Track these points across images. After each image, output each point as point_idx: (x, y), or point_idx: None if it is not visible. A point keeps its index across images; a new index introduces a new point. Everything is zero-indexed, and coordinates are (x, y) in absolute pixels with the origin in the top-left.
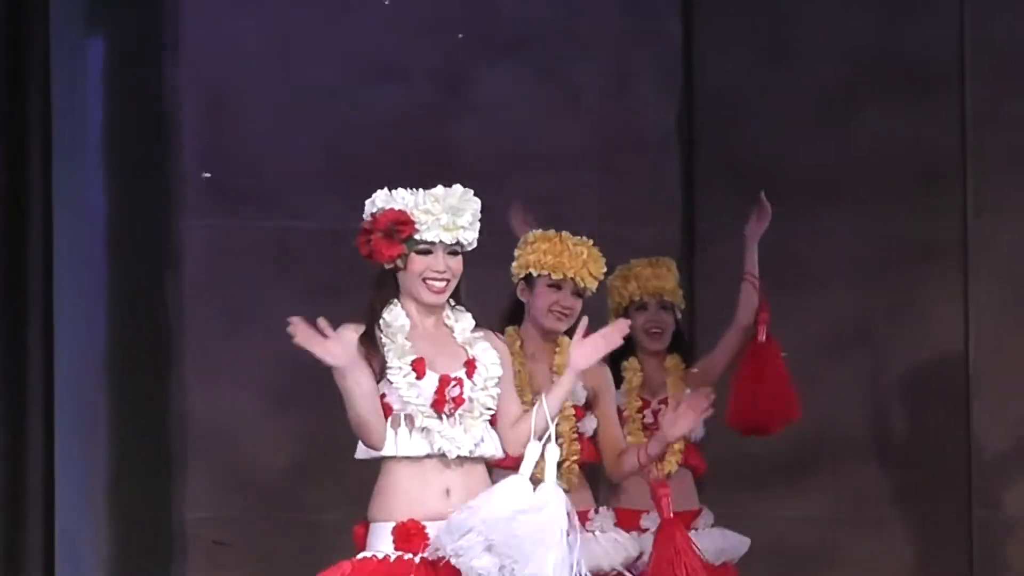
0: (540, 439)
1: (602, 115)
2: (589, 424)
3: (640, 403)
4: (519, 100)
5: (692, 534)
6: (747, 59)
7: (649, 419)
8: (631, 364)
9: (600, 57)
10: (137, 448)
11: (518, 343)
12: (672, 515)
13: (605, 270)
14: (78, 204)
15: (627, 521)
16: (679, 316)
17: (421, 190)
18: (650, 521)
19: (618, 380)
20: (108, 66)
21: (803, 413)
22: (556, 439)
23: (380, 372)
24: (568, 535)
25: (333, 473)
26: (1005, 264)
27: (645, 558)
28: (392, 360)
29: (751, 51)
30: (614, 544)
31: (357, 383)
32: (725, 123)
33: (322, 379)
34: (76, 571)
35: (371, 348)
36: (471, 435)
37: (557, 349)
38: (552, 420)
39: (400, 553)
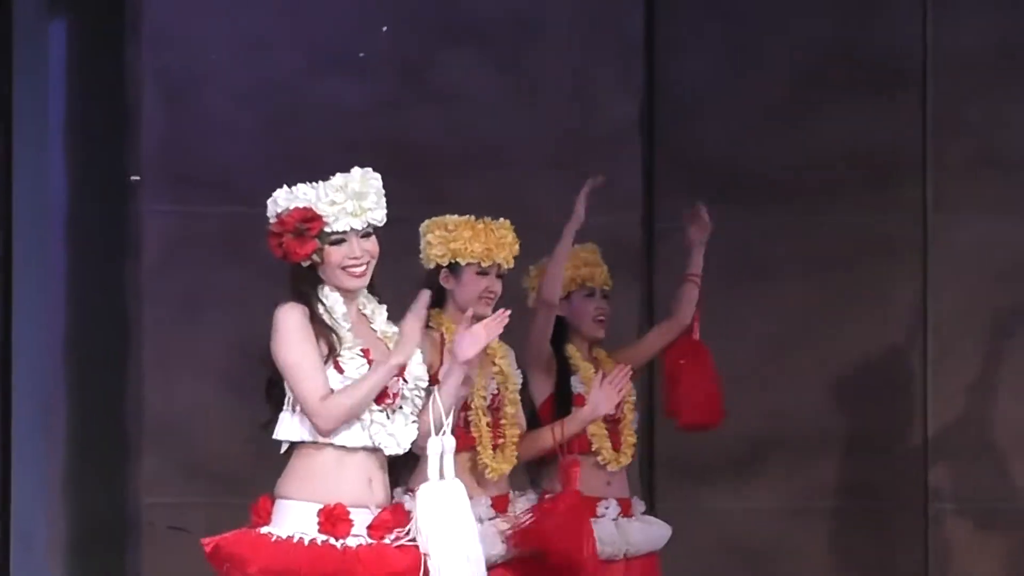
0: (438, 433)
1: (562, 108)
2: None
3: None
4: (478, 92)
5: (624, 522)
6: (708, 55)
7: None
8: (572, 351)
9: (561, 50)
10: (94, 434)
11: (443, 327)
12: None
13: (518, 242)
14: (38, 189)
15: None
16: None
17: (321, 182)
18: (603, 508)
19: (561, 366)
20: (70, 51)
21: (758, 405)
22: (500, 422)
23: (326, 356)
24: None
25: (287, 458)
26: (963, 261)
27: None
28: (343, 347)
29: (712, 47)
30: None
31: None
32: (686, 118)
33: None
34: (31, 557)
35: (323, 331)
36: (407, 433)
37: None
38: (446, 414)
39: (326, 537)
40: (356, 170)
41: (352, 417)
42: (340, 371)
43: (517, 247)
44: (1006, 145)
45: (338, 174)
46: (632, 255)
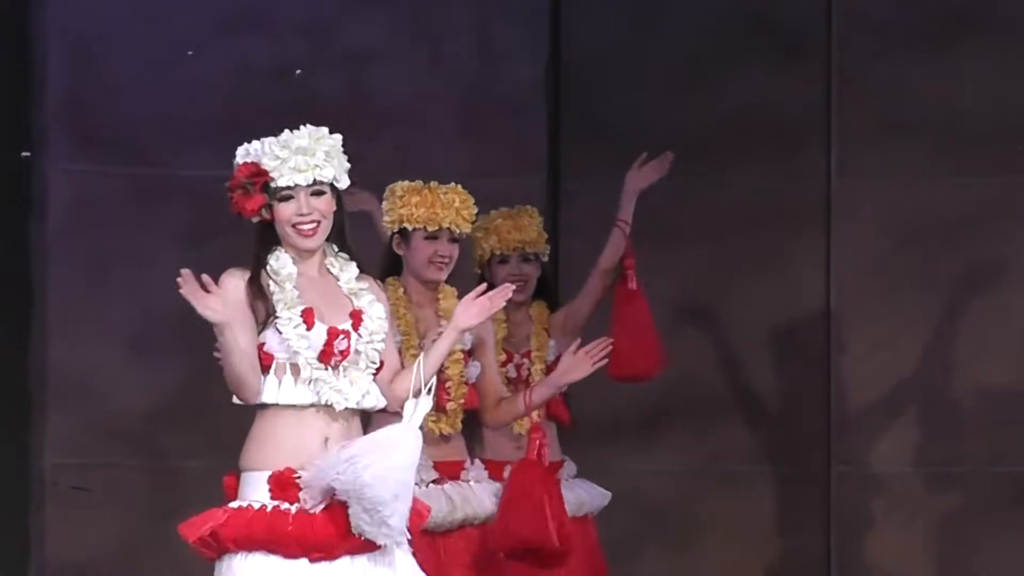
0: (416, 395)
1: (468, 70)
2: (472, 371)
3: (504, 356)
4: (382, 52)
5: (575, 482)
6: (614, 18)
7: (512, 373)
8: (496, 316)
9: (466, 12)
10: None
11: (401, 290)
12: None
13: (476, 210)
14: None
15: (493, 473)
16: (543, 263)
17: (270, 138)
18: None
19: None
20: None
21: (664, 369)
22: (445, 383)
23: (264, 320)
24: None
25: (195, 420)
26: (866, 225)
27: None
28: (281, 310)
29: (618, 8)
30: (489, 495)
31: (235, 338)
32: (591, 80)
33: (185, 327)
34: None
35: (258, 295)
36: (357, 387)
37: (440, 295)
38: (430, 377)
39: (277, 503)
40: (307, 127)
41: (236, 382)
42: (279, 332)
43: (469, 212)
44: (909, 110)
45: (286, 131)
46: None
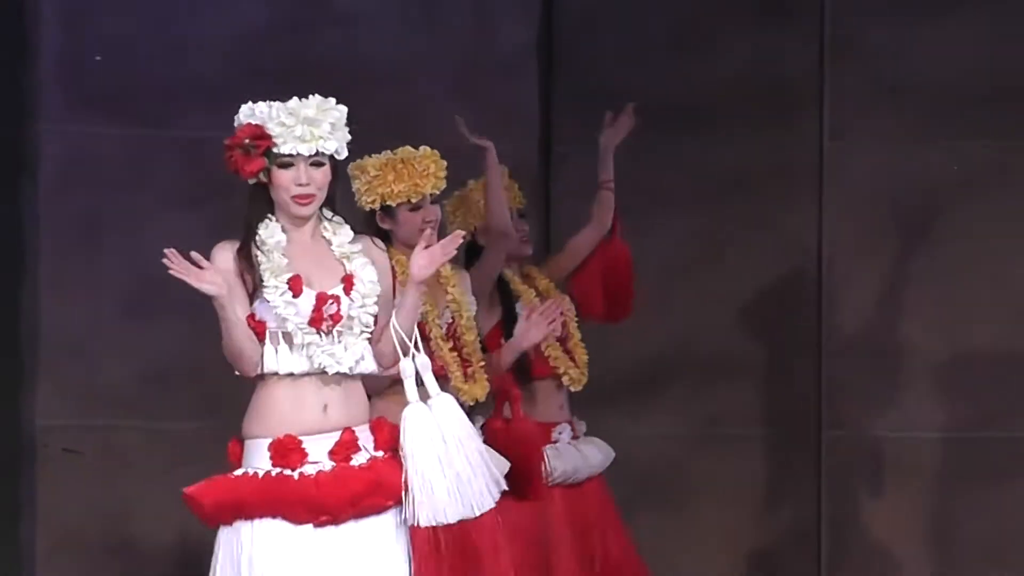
0: (407, 356)
1: (460, 33)
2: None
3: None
4: (375, 14)
5: (575, 443)
6: None
7: None
8: (509, 275)
9: None
10: None
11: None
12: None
13: (445, 163)
14: None
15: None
16: None
17: (278, 103)
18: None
19: (503, 293)
20: None
21: (655, 331)
22: (463, 350)
23: (254, 289)
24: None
25: (188, 382)
26: (858, 188)
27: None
28: (268, 278)
29: None
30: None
31: (234, 312)
32: (583, 42)
33: (177, 289)
34: None
35: (247, 265)
36: (352, 352)
37: None
38: (408, 335)
39: (279, 469)
40: (316, 97)
41: (236, 356)
42: (267, 300)
43: (443, 170)
44: (903, 72)
45: (294, 98)
46: (531, 178)
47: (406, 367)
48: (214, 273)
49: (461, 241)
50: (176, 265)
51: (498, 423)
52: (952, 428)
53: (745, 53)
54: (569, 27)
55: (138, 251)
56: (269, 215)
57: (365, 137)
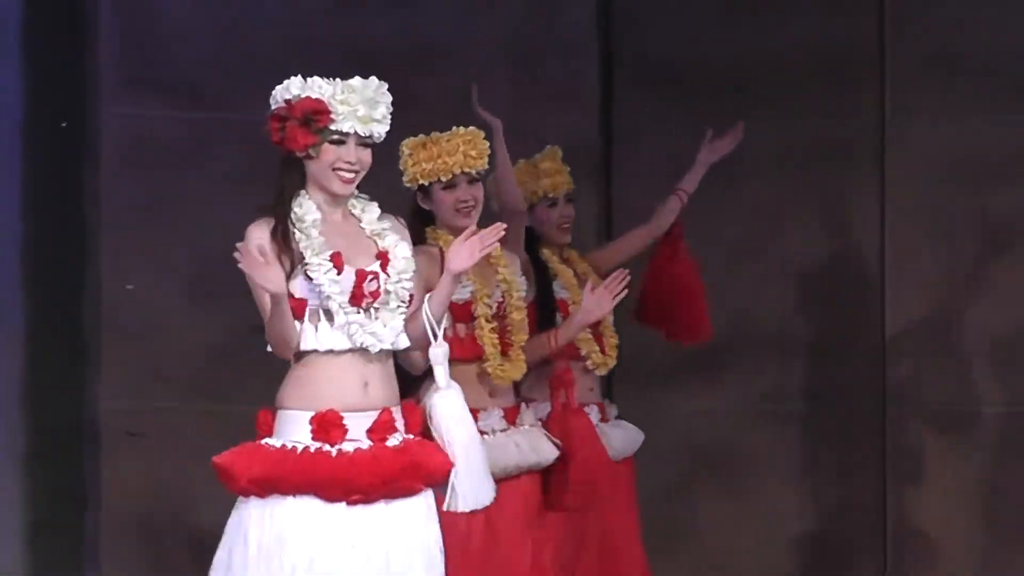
0: (436, 341)
1: (519, 10)
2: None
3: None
4: None
5: (604, 427)
6: None
7: None
8: (549, 255)
9: None
10: (52, 340)
11: (450, 236)
12: (576, 405)
13: (488, 143)
14: None
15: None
16: None
17: (338, 79)
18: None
19: (540, 273)
20: None
21: (717, 308)
22: (506, 328)
23: (291, 268)
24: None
25: (249, 363)
26: (921, 163)
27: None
28: (309, 256)
29: None
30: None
31: (287, 306)
32: (643, 19)
33: (238, 270)
34: None
35: (283, 244)
36: (391, 328)
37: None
38: (438, 323)
39: (319, 444)
40: (373, 79)
41: (282, 342)
42: (309, 279)
43: (478, 149)
44: (964, 47)
45: (356, 77)
46: (591, 158)
47: (436, 354)
48: (276, 269)
49: (503, 233)
50: (246, 259)
51: (556, 410)
52: (1017, 403)
53: (805, 27)
54: (628, 4)
55: (199, 233)
56: (302, 191)
57: (424, 118)
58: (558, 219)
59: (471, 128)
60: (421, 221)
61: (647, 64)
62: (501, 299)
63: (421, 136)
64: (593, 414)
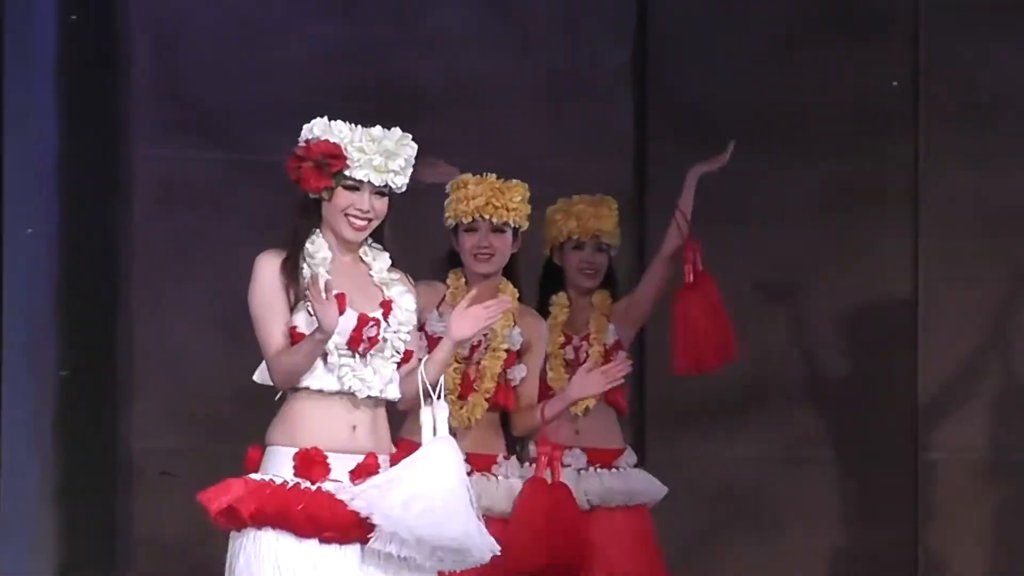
0: (427, 403)
1: (553, 52)
2: (518, 372)
3: (563, 339)
4: (468, 35)
5: (612, 473)
6: (701, 1)
7: (570, 355)
8: (559, 299)
9: None
10: (84, 378)
11: (462, 280)
12: (557, 480)
13: (521, 197)
14: (29, 133)
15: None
16: (613, 256)
17: (359, 126)
18: (571, 458)
19: (544, 313)
20: None
21: (748, 353)
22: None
23: (295, 302)
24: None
25: (278, 405)
26: (954, 208)
27: None
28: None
29: None
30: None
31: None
32: (677, 62)
33: None
34: (21, 503)
35: (291, 276)
36: (380, 376)
37: (500, 286)
38: (433, 387)
39: (298, 481)
40: (396, 130)
41: (295, 375)
42: (310, 314)
43: (504, 200)
44: (997, 93)
45: (378, 127)
46: (624, 201)
47: (424, 415)
48: (337, 309)
49: (508, 308)
50: (316, 294)
51: (541, 485)
52: None
53: (840, 70)
54: (663, 46)
55: (231, 273)
56: (316, 229)
57: (457, 158)
58: (579, 263)
59: (513, 180)
60: (449, 263)
61: (680, 106)
62: (477, 342)
63: (462, 176)
64: (577, 459)
